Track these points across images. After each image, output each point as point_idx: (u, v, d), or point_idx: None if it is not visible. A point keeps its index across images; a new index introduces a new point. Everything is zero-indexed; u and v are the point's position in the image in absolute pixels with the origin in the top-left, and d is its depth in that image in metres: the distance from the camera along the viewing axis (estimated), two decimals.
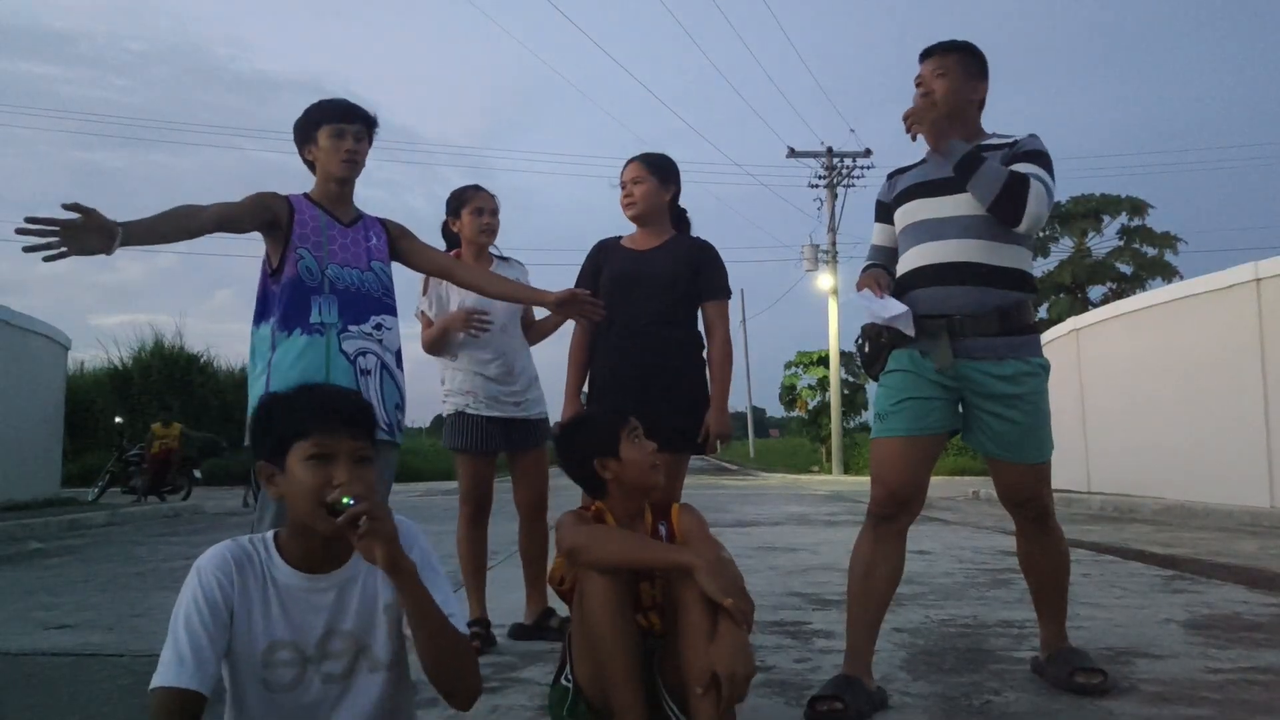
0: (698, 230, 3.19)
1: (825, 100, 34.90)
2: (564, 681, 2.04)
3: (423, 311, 3.49)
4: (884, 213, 2.74)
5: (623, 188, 3.08)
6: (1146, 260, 27.40)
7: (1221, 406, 8.61)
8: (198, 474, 14.17)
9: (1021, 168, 2.47)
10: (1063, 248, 29.38)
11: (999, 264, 2.48)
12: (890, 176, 2.78)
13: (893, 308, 2.51)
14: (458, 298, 3.38)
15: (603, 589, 1.88)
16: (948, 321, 2.47)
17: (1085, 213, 28.38)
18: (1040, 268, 29.46)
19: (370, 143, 2.65)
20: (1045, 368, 2.55)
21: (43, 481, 11.96)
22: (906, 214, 2.62)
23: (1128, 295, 19.90)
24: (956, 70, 2.59)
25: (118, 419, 15.22)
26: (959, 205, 2.50)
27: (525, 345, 3.55)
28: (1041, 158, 2.52)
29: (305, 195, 2.61)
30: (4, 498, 10.30)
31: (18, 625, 3.78)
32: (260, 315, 2.51)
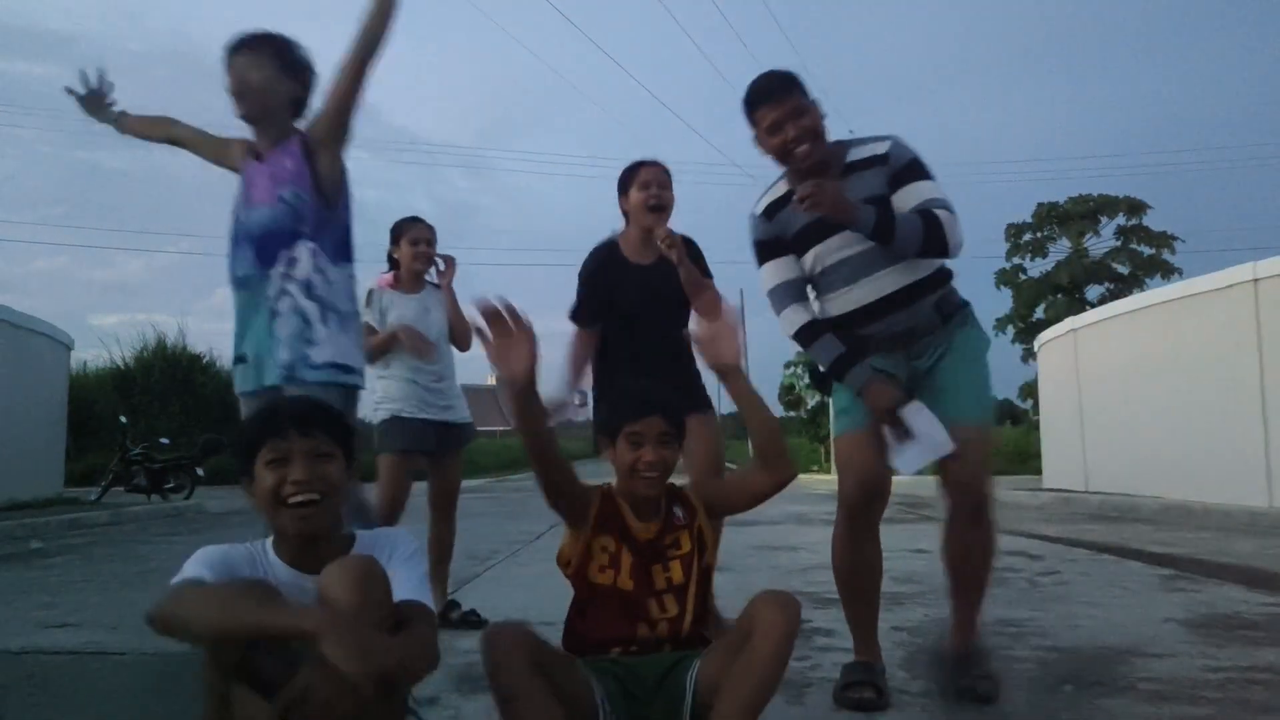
0: (699, 229, 3.23)
1: (824, 100, 34.92)
2: None
3: (366, 321, 3.66)
4: (780, 247, 2.59)
5: (646, 189, 3.03)
6: (1144, 259, 27.40)
7: (1220, 406, 8.63)
8: (200, 472, 14.14)
9: (915, 191, 2.44)
10: (1060, 248, 29.38)
11: (925, 274, 2.52)
12: (767, 214, 2.60)
13: (936, 434, 2.41)
14: (395, 313, 3.68)
15: (509, 642, 1.68)
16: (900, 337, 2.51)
17: (1083, 213, 28.40)
18: (1038, 269, 29.42)
19: None
20: (972, 320, 2.60)
21: (46, 481, 11.97)
22: (822, 255, 2.52)
23: (1125, 295, 19.91)
24: (811, 107, 2.50)
25: (122, 418, 15.18)
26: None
27: (451, 356, 3.85)
28: (922, 167, 2.50)
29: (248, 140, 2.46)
30: (7, 497, 10.29)
31: (19, 624, 3.79)
32: None
